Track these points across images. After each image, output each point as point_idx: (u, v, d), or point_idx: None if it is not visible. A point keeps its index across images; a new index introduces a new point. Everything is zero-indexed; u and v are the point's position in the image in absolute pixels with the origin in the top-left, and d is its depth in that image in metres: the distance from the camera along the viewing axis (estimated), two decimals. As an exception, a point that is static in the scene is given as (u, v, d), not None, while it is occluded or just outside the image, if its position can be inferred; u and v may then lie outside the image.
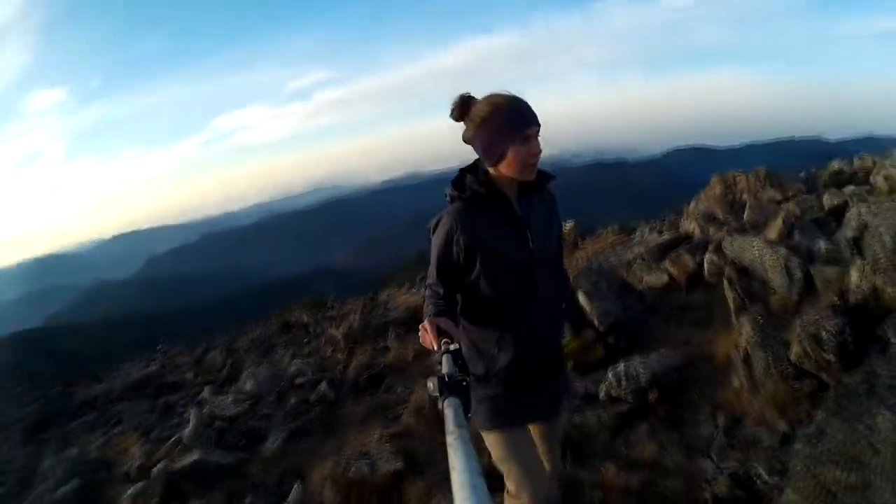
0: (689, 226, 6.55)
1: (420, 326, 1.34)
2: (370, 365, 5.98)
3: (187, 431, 5.59)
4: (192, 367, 10.76)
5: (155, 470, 4.70)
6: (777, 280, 3.44)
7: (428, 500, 2.79)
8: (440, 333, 1.30)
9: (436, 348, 1.26)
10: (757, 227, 4.85)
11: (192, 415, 6.02)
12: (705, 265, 4.52)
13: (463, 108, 1.49)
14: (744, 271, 3.78)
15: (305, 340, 9.46)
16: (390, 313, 7.99)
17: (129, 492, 4.52)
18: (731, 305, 3.58)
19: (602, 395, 3.27)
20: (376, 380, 5.54)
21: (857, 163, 6.70)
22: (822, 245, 3.55)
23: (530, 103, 1.46)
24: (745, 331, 3.18)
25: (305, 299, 13.67)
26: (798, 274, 3.34)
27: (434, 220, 1.56)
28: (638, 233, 8.05)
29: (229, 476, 4.30)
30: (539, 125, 1.46)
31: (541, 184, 1.55)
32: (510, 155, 1.44)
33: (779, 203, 5.90)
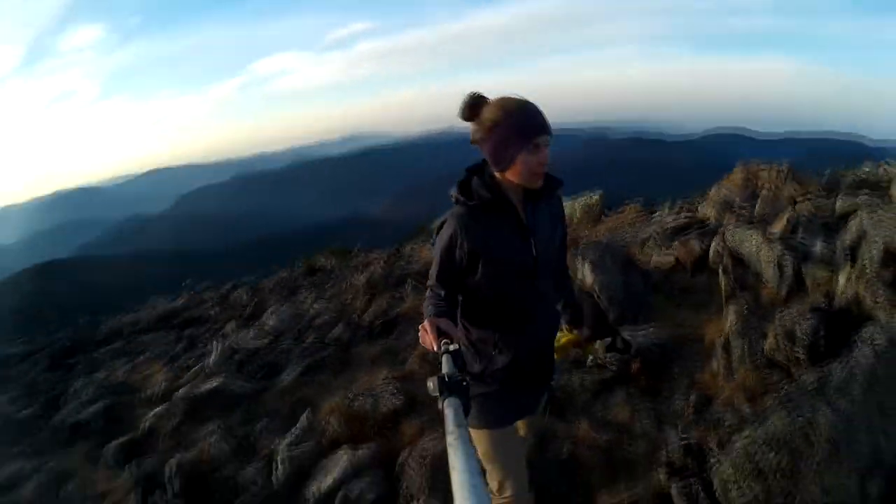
0: (707, 211, 6.67)
1: (420, 327, 1.36)
2: (386, 312, 6.33)
3: (210, 361, 6.09)
4: (218, 303, 11.27)
5: (178, 394, 5.19)
6: (769, 274, 3.62)
7: (420, 437, 3.14)
8: (440, 334, 1.31)
9: (435, 349, 1.27)
10: (765, 221, 4.95)
11: (216, 346, 6.52)
12: (711, 251, 4.69)
13: (473, 108, 1.47)
14: (741, 262, 3.95)
15: (328, 285, 9.86)
16: (411, 266, 8.27)
17: (153, 413, 4.99)
18: (723, 292, 3.78)
19: (589, 361, 3.54)
20: (389, 326, 5.87)
21: (882, 169, 6.62)
22: (819, 246, 3.70)
23: (542, 109, 1.45)
24: (729, 318, 3.40)
25: (332, 247, 14.12)
26: (789, 271, 3.52)
27: (439, 222, 1.57)
28: (658, 212, 8.14)
29: (247, 403, 4.76)
30: (550, 133, 1.45)
31: (548, 189, 1.54)
32: (518, 162, 1.43)
33: (795, 200, 5.94)
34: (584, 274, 4.77)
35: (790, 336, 2.89)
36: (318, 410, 3.91)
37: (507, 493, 1.68)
